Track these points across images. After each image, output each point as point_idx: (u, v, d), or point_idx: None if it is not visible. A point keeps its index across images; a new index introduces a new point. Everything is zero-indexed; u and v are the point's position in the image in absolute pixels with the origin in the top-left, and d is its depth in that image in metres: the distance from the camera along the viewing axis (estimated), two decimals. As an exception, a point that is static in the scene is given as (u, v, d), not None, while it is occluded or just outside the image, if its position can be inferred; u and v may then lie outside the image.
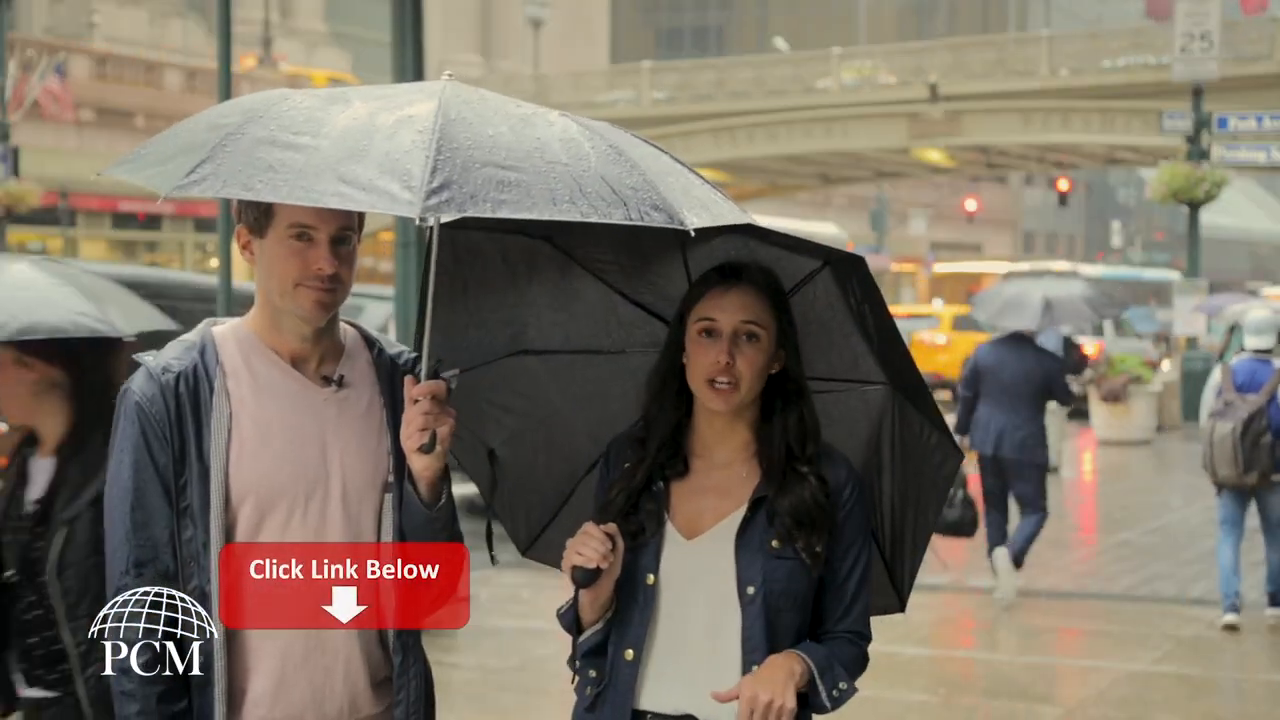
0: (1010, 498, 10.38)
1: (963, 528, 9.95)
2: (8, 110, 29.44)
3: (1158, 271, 56.63)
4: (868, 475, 3.12)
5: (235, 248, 2.87)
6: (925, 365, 26.09)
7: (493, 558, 2.86)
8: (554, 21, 62.79)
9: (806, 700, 2.84)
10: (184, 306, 9.94)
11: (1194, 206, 25.42)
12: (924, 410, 3.04)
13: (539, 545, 3.35)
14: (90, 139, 39.64)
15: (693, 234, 2.46)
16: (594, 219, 2.43)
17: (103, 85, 41.10)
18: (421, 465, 2.72)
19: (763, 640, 2.86)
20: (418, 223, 2.46)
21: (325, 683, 2.81)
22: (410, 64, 10.20)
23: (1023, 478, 10.18)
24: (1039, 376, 10.22)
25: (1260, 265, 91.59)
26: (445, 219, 2.47)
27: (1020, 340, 10.43)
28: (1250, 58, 36.45)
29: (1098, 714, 7.69)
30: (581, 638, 2.93)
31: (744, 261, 2.95)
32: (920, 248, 64.78)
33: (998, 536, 10.34)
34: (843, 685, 2.87)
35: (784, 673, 2.80)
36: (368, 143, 2.45)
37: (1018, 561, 10.14)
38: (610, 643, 2.93)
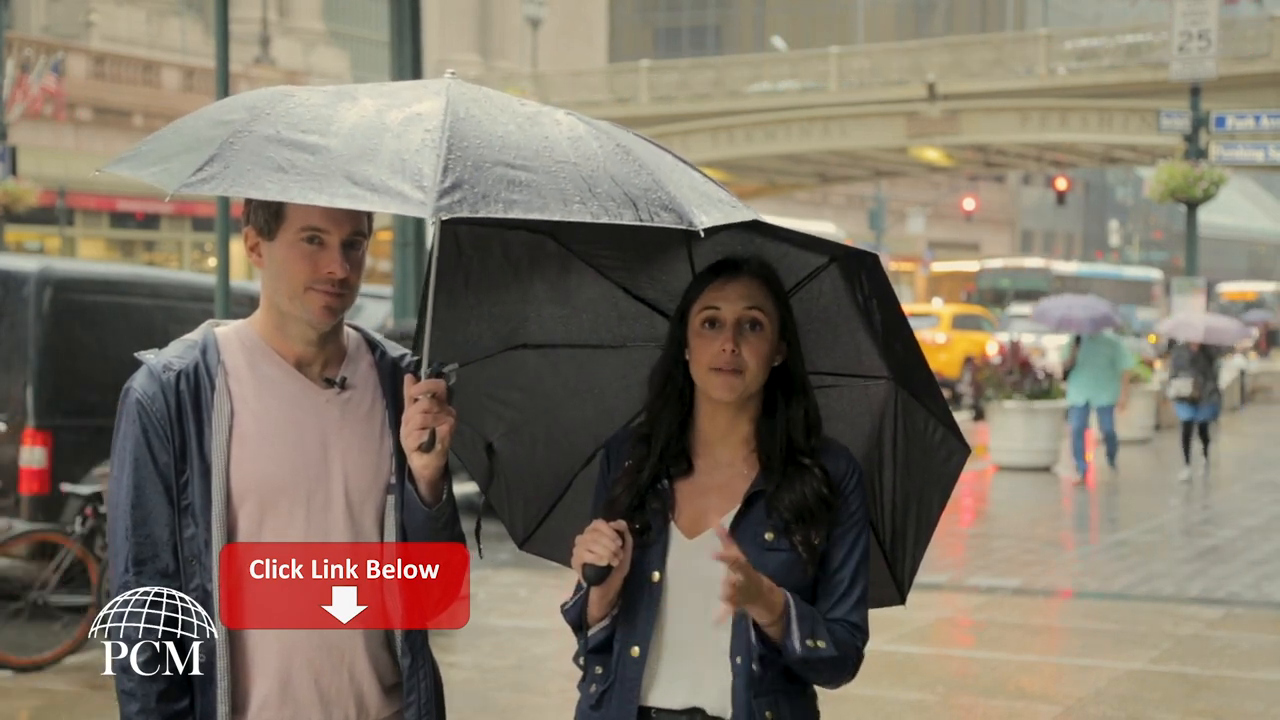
0: None
1: None
2: (6, 109, 29.41)
3: (1138, 270, 56.53)
4: (869, 469, 3.11)
5: (235, 248, 2.87)
6: (924, 364, 26.04)
7: (479, 551, 2.84)
8: (552, 21, 62.82)
9: (779, 650, 2.82)
10: (181, 306, 9.97)
11: (1192, 205, 25.41)
12: (930, 406, 3.04)
13: (536, 539, 3.35)
14: (88, 138, 39.64)
15: (702, 234, 2.45)
16: (605, 220, 2.41)
17: (100, 84, 41.10)
18: (421, 464, 2.71)
19: (752, 631, 2.84)
20: (430, 222, 2.45)
21: (331, 685, 2.80)
22: (408, 63, 10.22)
23: None
24: None
25: (1258, 264, 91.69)
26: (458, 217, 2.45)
27: None
28: (1248, 56, 36.49)
29: (1096, 713, 7.69)
30: (588, 634, 2.93)
31: (743, 256, 2.95)
32: (918, 246, 64.80)
33: None
34: (821, 643, 2.81)
35: (767, 586, 2.76)
36: (377, 141, 2.43)
37: None
38: (616, 640, 2.92)
